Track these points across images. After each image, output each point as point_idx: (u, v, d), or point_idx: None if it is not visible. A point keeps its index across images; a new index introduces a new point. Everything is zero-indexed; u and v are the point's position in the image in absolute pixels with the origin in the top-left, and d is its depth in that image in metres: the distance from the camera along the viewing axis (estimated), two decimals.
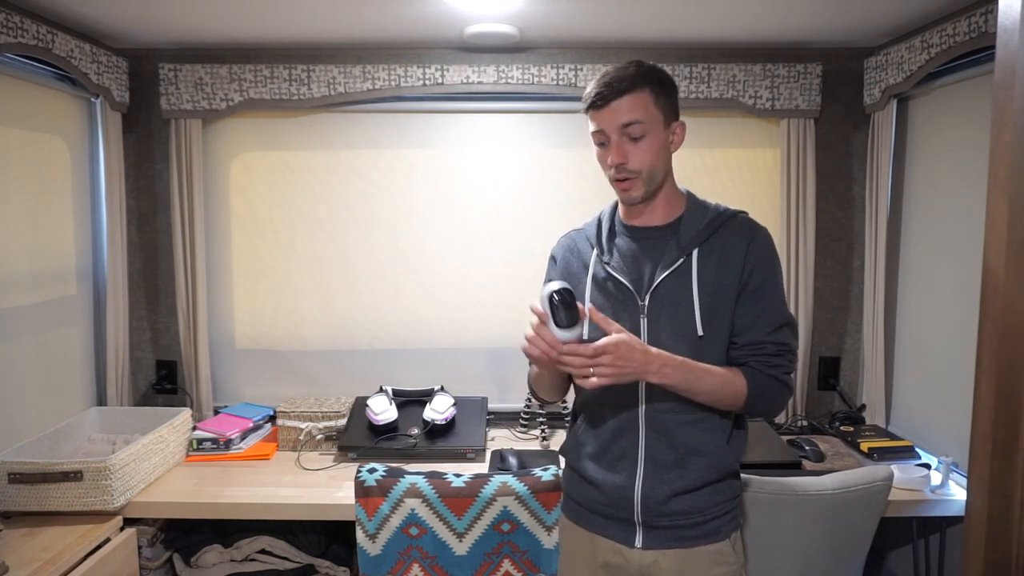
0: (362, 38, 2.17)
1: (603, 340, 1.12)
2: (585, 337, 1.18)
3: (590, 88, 1.22)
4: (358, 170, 2.38)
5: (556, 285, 1.14)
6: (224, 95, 2.23)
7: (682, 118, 1.29)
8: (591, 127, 1.24)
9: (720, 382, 1.21)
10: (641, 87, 1.19)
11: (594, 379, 1.12)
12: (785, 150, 2.26)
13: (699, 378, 1.19)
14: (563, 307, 1.12)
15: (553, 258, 1.41)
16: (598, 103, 1.20)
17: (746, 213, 1.30)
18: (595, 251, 1.31)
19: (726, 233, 1.26)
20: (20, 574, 1.41)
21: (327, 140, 2.36)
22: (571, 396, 1.41)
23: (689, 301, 1.22)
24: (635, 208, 1.29)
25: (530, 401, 2.30)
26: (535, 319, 1.16)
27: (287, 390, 2.42)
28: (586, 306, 1.27)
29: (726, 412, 1.27)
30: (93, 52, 2.06)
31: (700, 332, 1.22)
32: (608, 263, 1.28)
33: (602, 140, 1.23)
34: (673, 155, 1.29)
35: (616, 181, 1.24)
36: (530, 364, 1.39)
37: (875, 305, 2.21)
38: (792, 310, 2.23)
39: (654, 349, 1.16)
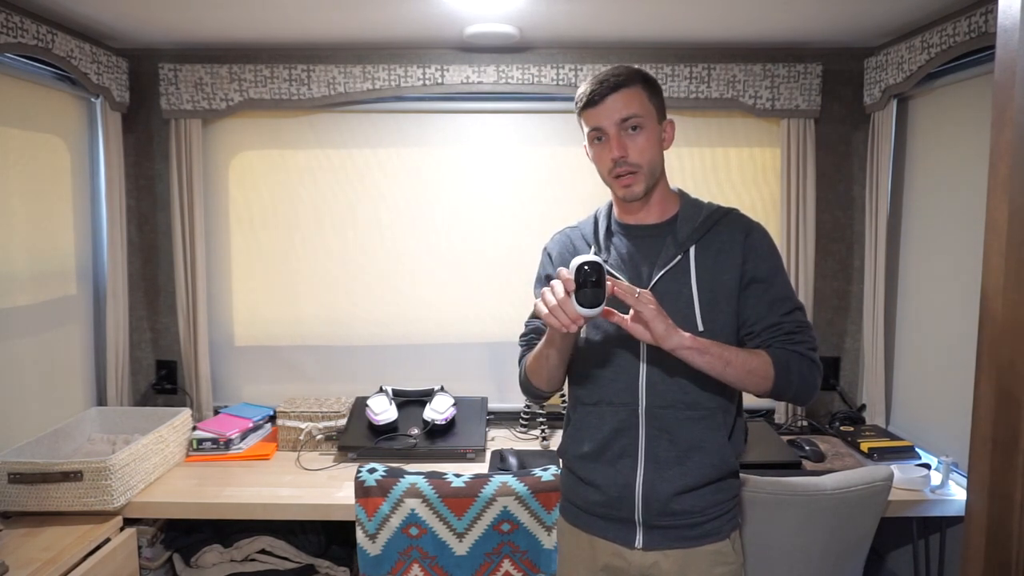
0: (362, 38, 2.17)
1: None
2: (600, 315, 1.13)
3: (583, 88, 1.26)
4: (358, 170, 2.38)
5: (588, 258, 1.09)
6: (224, 95, 2.23)
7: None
8: (586, 128, 1.27)
9: (747, 354, 1.19)
10: (634, 84, 1.24)
11: (648, 306, 1.11)
12: (785, 150, 2.25)
13: (726, 349, 1.16)
14: (591, 284, 1.08)
15: (548, 254, 1.40)
16: (595, 99, 1.23)
17: (737, 210, 1.32)
18: (592, 249, 1.32)
19: (722, 229, 1.27)
20: (20, 574, 1.41)
21: (327, 140, 2.36)
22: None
23: (688, 297, 1.23)
24: (631, 206, 1.30)
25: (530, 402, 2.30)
26: (558, 286, 1.11)
27: (287, 389, 2.42)
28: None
29: (727, 409, 1.27)
30: (93, 52, 2.06)
31: (701, 327, 1.22)
32: (606, 261, 1.28)
33: (599, 136, 1.25)
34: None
35: (617, 177, 1.24)
36: (522, 357, 1.38)
37: (875, 305, 2.21)
38: None
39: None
